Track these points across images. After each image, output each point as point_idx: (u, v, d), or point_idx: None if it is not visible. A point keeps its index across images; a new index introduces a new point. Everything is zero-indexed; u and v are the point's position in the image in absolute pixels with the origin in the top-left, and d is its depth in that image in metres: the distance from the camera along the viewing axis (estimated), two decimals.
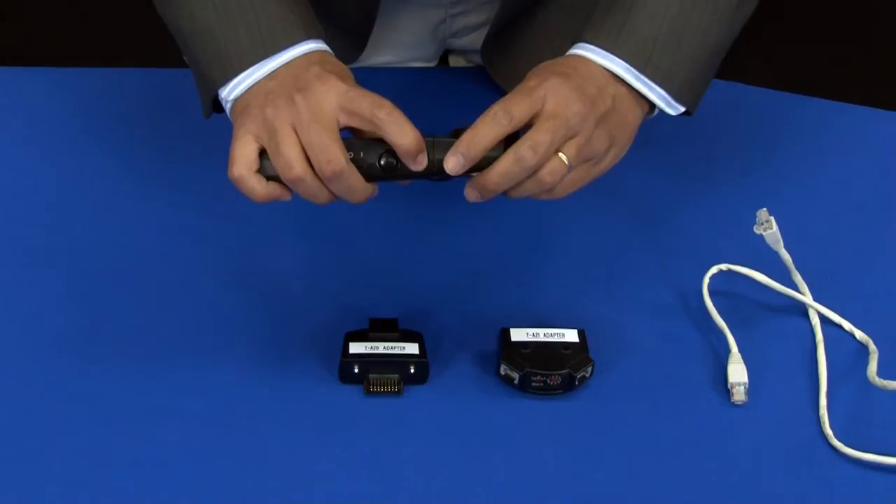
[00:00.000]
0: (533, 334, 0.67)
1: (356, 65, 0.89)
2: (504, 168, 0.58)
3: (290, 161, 0.56)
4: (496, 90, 0.87)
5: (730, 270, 0.72)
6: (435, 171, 0.59)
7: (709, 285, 0.72)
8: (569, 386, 0.66)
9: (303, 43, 0.60)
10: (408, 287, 0.72)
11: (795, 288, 0.72)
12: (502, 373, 0.66)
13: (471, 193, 0.60)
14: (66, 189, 0.78)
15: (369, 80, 0.90)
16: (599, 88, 0.61)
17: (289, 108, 0.57)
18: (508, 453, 0.63)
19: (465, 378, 0.67)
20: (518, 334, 0.67)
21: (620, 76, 0.62)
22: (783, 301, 0.72)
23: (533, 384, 0.65)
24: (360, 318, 0.69)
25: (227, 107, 0.62)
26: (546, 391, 0.66)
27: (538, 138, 0.58)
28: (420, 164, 0.58)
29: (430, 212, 0.77)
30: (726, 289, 0.72)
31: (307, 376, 0.66)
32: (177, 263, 0.72)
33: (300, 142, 0.57)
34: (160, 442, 0.62)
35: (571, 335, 0.67)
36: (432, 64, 0.93)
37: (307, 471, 0.62)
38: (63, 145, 0.81)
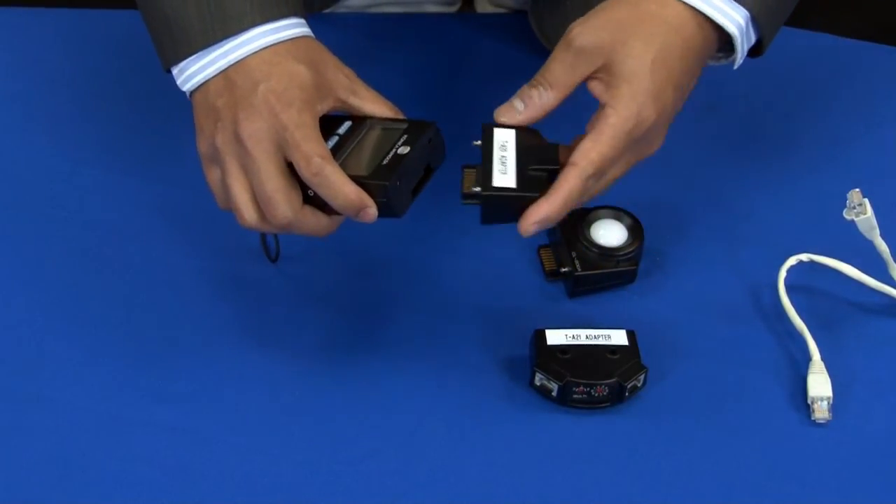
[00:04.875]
0: (573, 336, 0.67)
1: (366, 10, 0.89)
2: (573, 199, 0.59)
3: (241, 210, 0.60)
4: (527, 41, 0.86)
5: (812, 262, 0.72)
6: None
7: (786, 279, 0.71)
8: (617, 398, 0.65)
9: (257, 28, 0.60)
10: (426, 281, 0.72)
11: (893, 284, 0.71)
12: (537, 383, 0.66)
13: (530, 229, 0.60)
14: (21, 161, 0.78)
15: (381, 28, 0.89)
16: (687, 91, 0.61)
17: (235, 144, 0.60)
18: (545, 479, 0.63)
19: (493, 389, 0.67)
20: (555, 337, 0.67)
21: (731, 32, 0.61)
22: (877, 299, 0.71)
23: (574, 396, 0.65)
24: (365, 313, 0.69)
25: (182, 87, 0.64)
26: (590, 404, 0.65)
27: (613, 175, 0.60)
28: (367, 217, 0.60)
29: (450, 195, 0.76)
30: (807, 284, 0.72)
31: (304, 379, 0.66)
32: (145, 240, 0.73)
33: (250, 186, 0.60)
34: (131, 454, 0.63)
35: (619, 337, 0.67)
36: (454, 8, 0.92)
37: (306, 491, 0.62)
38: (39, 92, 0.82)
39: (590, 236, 0.70)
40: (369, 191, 0.59)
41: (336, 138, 0.62)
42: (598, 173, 0.59)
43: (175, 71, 0.62)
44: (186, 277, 0.71)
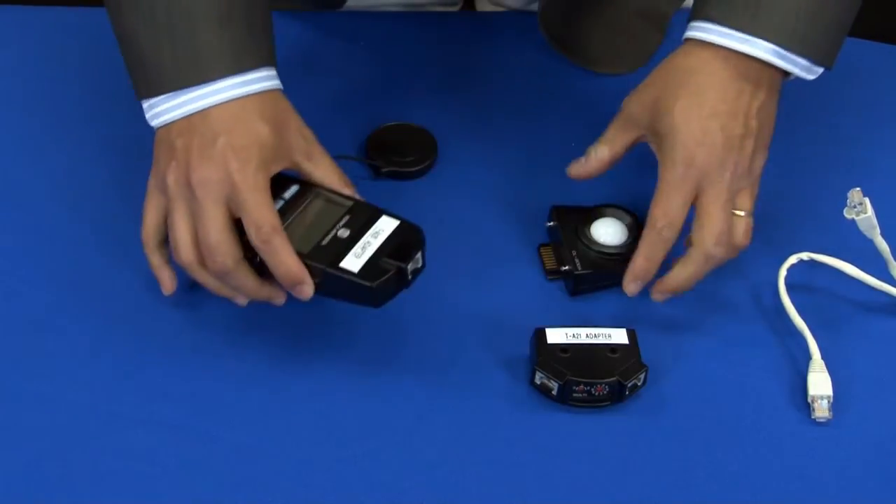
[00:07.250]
0: (573, 335, 0.67)
1: (368, 8, 0.89)
2: (696, 271, 0.66)
3: (180, 248, 0.63)
4: (529, 39, 0.86)
5: (812, 261, 0.72)
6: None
7: (786, 278, 0.71)
8: (617, 397, 0.65)
9: (227, 80, 0.62)
10: (426, 280, 0.69)
11: (893, 283, 0.71)
12: (537, 381, 0.66)
13: (630, 288, 0.68)
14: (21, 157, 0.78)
15: (382, 27, 0.89)
16: (741, 110, 0.66)
17: (185, 188, 0.62)
18: (545, 478, 0.63)
19: (493, 388, 0.66)
20: (555, 335, 0.67)
21: (763, 59, 0.65)
22: (877, 298, 0.71)
23: (574, 395, 0.65)
24: (365, 312, 0.67)
25: (150, 122, 0.65)
26: (590, 403, 0.65)
27: (715, 234, 0.65)
28: (302, 294, 0.62)
29: (451, 192, 0.77)
30: (808, 283, 0.72)
31: (304, 378, 0.66)
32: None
33: (194, 229, 0.62)
34: (131, 452, 0.63)
35: (620, 336, 0.67)
36: (455, 8, 0.93)
37: (306, 491, 0.62)
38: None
39: (590, 235, 0.70)
40: (307, 269, 0.61)
41: (282, 202, 0.63)
42: (667, 223, 0.65)
43: (145, 105, 0.63)
44: (186, 276, 0.69)
